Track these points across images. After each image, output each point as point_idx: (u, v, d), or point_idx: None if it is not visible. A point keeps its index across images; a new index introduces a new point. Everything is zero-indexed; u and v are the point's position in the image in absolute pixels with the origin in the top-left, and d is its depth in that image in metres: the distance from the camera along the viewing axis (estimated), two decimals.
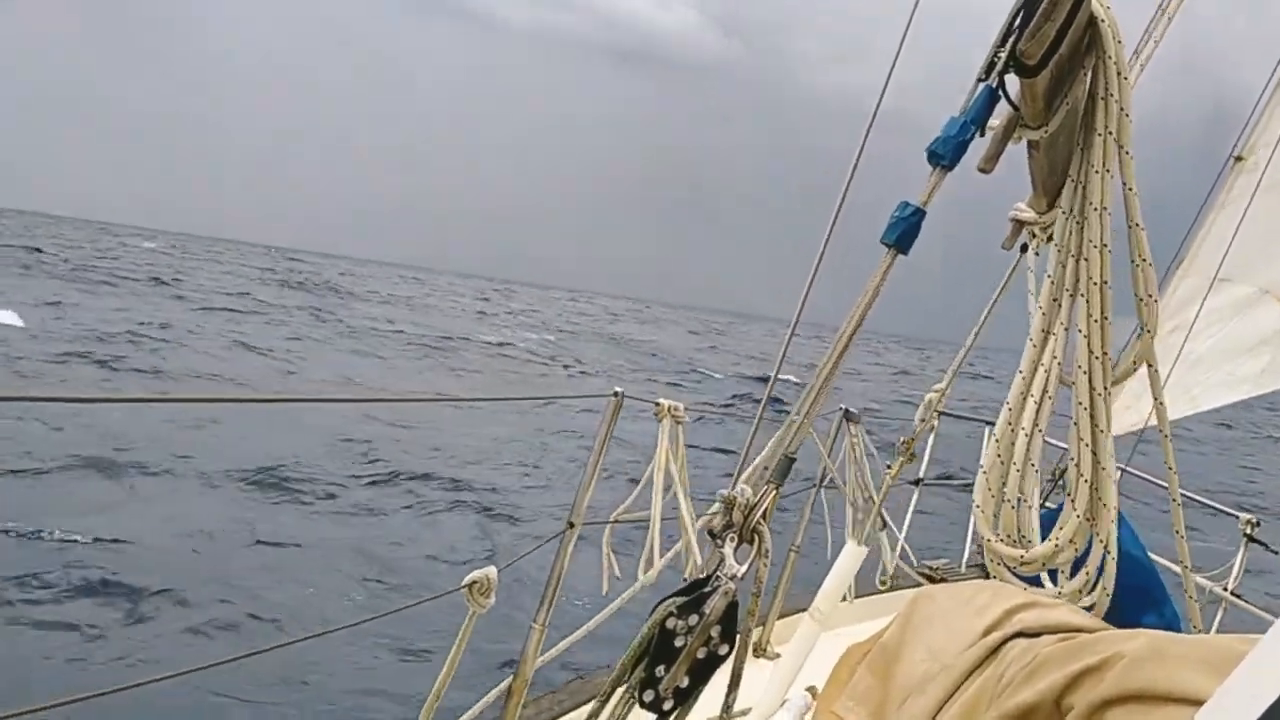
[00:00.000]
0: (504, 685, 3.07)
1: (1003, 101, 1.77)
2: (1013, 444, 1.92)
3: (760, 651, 4.63)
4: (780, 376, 1.75)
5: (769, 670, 4.15)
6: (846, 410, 5.24)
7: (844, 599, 4.15)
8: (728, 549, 1.46)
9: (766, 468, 1.50)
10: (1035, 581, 2.08)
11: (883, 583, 6.51)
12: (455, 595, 2.49)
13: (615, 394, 2.90)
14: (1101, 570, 1.88)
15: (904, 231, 1.60)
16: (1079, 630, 1.30)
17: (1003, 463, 1.91)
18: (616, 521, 3.38)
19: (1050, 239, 2.94)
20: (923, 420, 3.70)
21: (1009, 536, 1.89)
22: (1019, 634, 1.36)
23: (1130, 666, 1.06)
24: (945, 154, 1.64)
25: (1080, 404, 1.83)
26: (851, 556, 3.59)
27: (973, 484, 6.57)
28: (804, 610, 3.64)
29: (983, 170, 2.10)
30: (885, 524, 5.46)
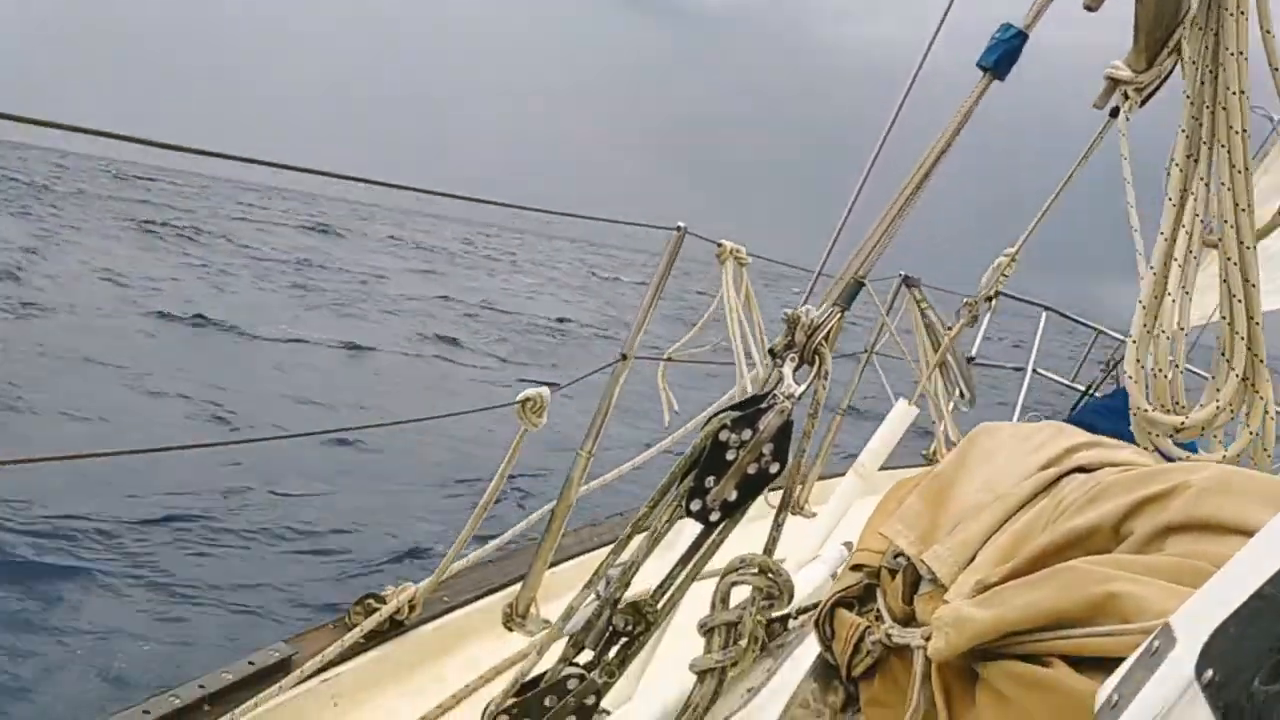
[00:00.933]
0: (548, 508, 3.14)
1: None
2: (1158, 311, 1.83)
3: (798, 509, 4.67)
4: None
5: (806, 526, 4.19)
6: (905, 276, 5.16)
7: (883, 469, 4.16)
8: (787, 368, 1.44)
9: (834, 291, 1.47)
10: (1192, 449, 2.01)
11: (925, 455, 6.52)
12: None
13: (679, 228, 2.86)
14: (1262, 430, 1.80)
15: (1003, 54, 1.51)
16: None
17: (1149, 331, 1.82)
18: (670, 360, 3.38)
19: (1143, 102, 2.80)
20: (988, 284, 3.62)
21: (1164, 405, 1.82)
22: (1078, 469, 1.33)
23: (1198, 495, 1.03)
24: None
25: (1229, 259, 1.74)
26: (901, 414, 3.57)
27: (1022, 368, 6.47)
28: (843, 475, 3.65)
29: (1089, 8, 1.99)
30: (936, 393, 5.41)
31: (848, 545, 3.30)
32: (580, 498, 3.16)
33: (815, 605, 2.68)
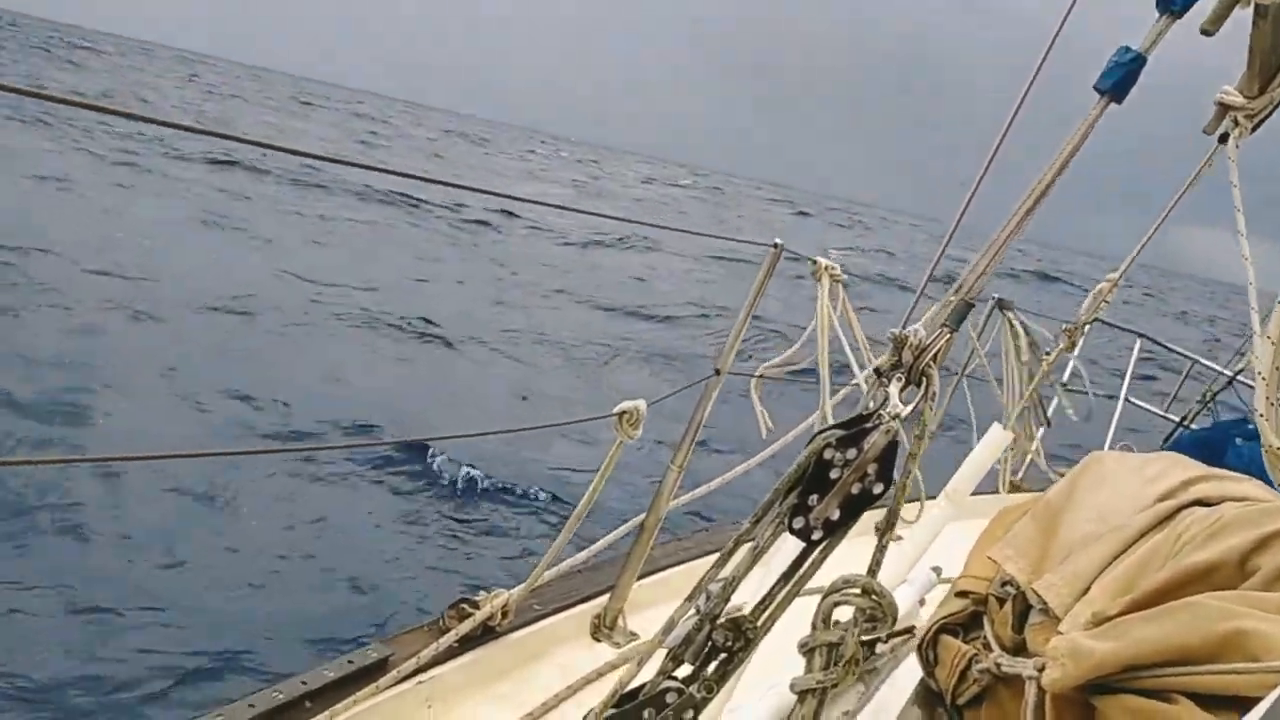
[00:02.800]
0: (637, 520, 3.16)
1: None
2: None
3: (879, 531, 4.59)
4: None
5: (892, 549, 4.14)
6: (999, 299, 5.07)
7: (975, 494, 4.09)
8: (893, 388, 1.44)
9: (943, 311, 1.46)
10: None
11: (1014, 484, 6.38)
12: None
13: (775, 245, 2.86)
14: None
15: (1121, 79, 1.49)
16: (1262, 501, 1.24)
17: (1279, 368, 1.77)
18: (763, 376, 3.38)
19: (1255, 129, 2.72)
20: (1089, 310, 3.55)
21: None
22: (1197, 502, 1.30)
23: None
24: (1177, 0, 1.52)
25: None
26: (996, 438, 3.52)
27: (1115, 396, 6.29)
28: (932, 498, 3.60)
29: (1205, 32, 1.95)
30: (1029, 419, 5.30)
31: (936, 570, 3.25)
32: (669, 512, 3.18)
33: (905, 630, 2.65)
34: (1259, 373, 1.71)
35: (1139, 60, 1.52)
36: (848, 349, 3.00)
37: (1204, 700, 0.91)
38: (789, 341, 3.49)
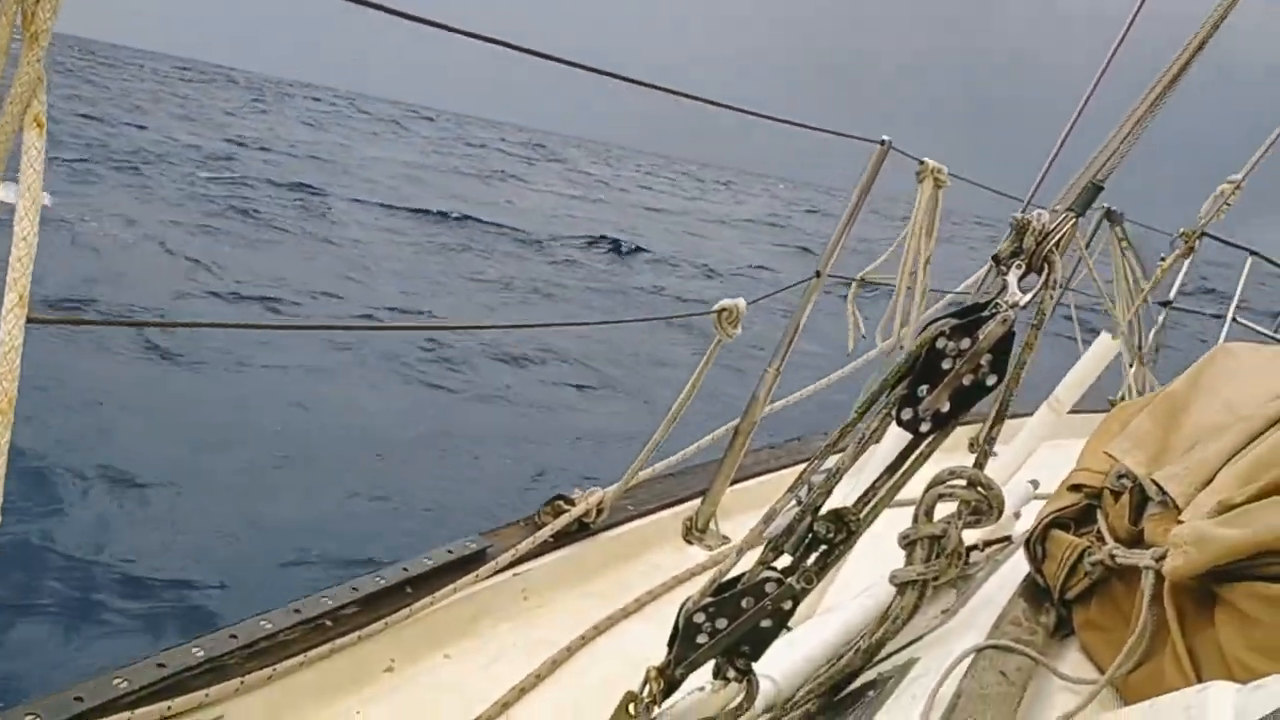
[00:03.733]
0: (732, 425, 3.14)
1: None
2: None
3: (975, 447, 4.50)
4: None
5: (989, 462, 4.05)
6: (1109, 209, 4.88)
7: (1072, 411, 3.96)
8: (1011, 276, 1.38)
9: (1069, 193, 1.39)
10: None
11: (1111, 400, 6.20)
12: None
13: (883, 142, 2.77)
14: None
15: None
16: None
17: None
18: (863, 280, 3.31)
19: None
20: (1209, 213, 3.39)
21: None
22: None
23: None
24: None
25: None
26: (1103, 348, 3.41)
27: (1221, 315, 6.05)
28: (1028, 415, 3.51)
29: None
30: (1137, 335, 5.13)
31: (1034, 483, 3.19)
32: (764, 417, 3.15)
33: (1000, 540, 2.61)
34: None
35: None
36: (917, 250, 2.90)
37: None
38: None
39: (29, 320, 0.94)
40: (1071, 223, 1.33)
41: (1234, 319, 6.72)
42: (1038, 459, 3.32)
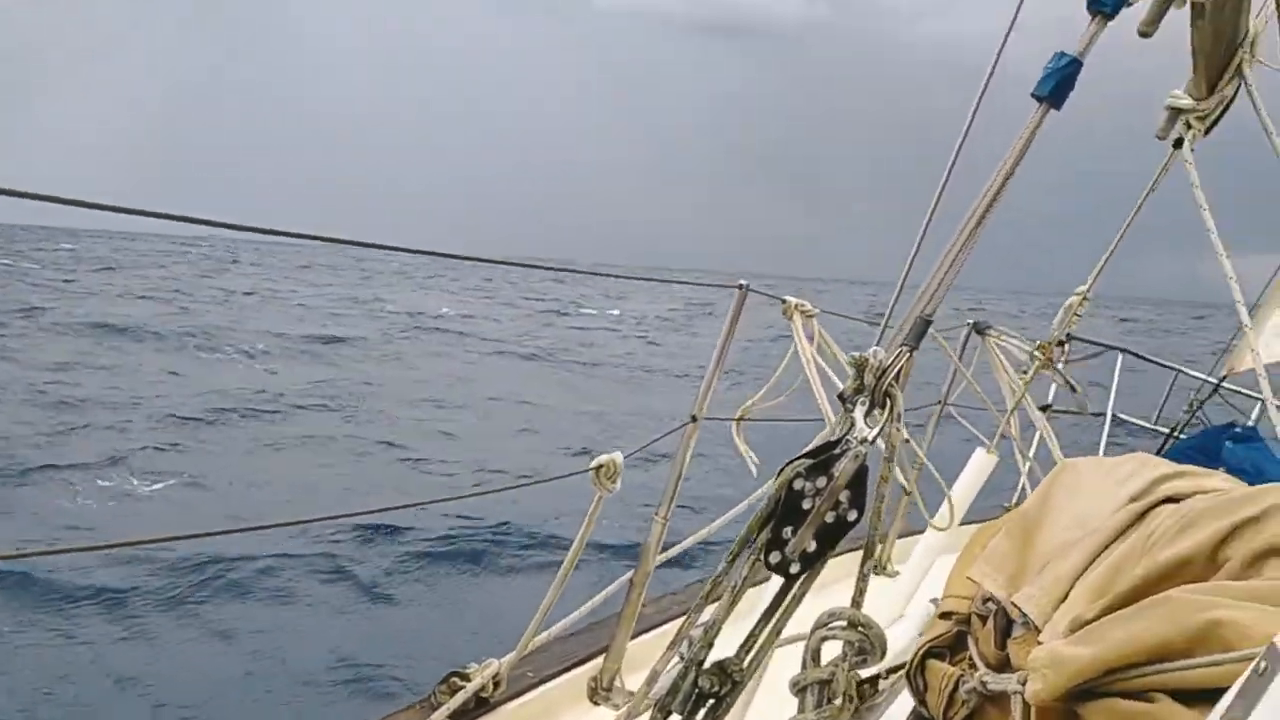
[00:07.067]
0: (626, 578, 3.10)
1: None
2: None
3: (880, 568, 4.54)
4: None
5: (889, 585, 4.08)
6: (975, 323, 5.06)
7: (963, 523, 4.03)
8: (858, 412, 1.42)
9: (900, 331, 1.45)
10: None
11: (1005, 507, 6.32)
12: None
13: (740, 286, 2.84)
14: None
15: (1059, 83, 1.50)
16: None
17: None
18: (741, 419, 3.35)
19: (1208, 130, 2.74)
20: (1061, 326, 3.55)
21: None
22: (1168, 499, 1.28)
23: None
24: (1107, 1, 1.53)
25: None
26: (980, 463, 3.50)
27: (1101, 414, 6.26)
28: (923, 531, 3.57)
29: (1143, 33, 1.96)
30: (1016, 440, 5.26)
31: (934, 602, 3.21)
32: (660, 565, 3.12)
33: (905, 665, 2.60)
34: (1259, 362, 1.71)
35: (1074, 64, 1.52)
36: (818, 385, 2.99)
37: (1185, 696, 0.89)
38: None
39: None
40: (906, 357, 1.38)
41: (1114, 416, 6.98)
42: (939, 572, 3.35)
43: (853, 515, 1.41)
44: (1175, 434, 7.20)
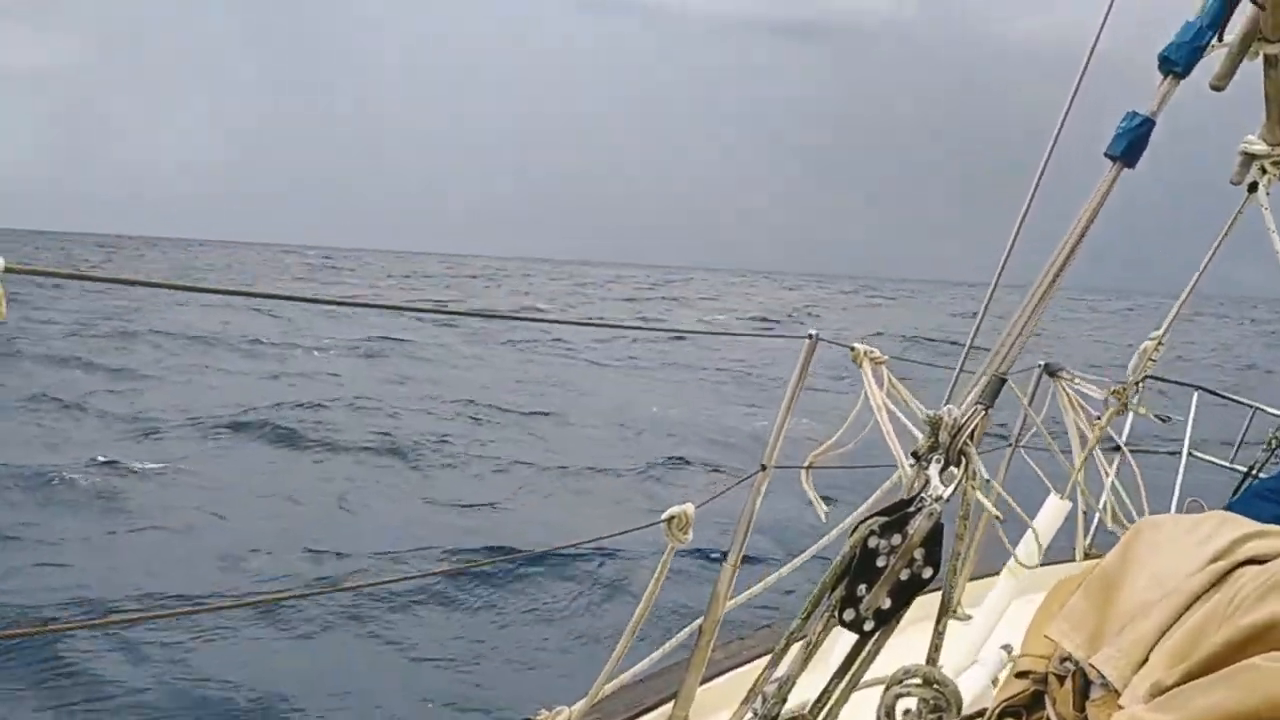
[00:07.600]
0: (695, 625, 3.10)
1: (1242, 5, 1.63)
2: None
3: (951, 612, 4.46)
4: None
5: (961, 630, 4.02)
6: (1046, 364, 4.99)
7: (1039, 565, 3.97)
8: (933, 470, 1.43)
9: (976, 389, 1.46)
10: None
11: (1086, 552, 6.20)
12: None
13: (810, 336, 2.86)
14: None
15: (1131, 143, 1.50)
16: None
17: None
18: (811, 466, 3.34)
19: None
20: (1136, 370, 3.51)
21: None
22: (1250, 560, 1.27)
23: None
24: (1179, 60, 1.53)
25: None
26: (1054, 510, 3.45)
27: (1177, 453, 6.13)
28: (997, 574, 3.52)
29: (1215, 88, 1.96)
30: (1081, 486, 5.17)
31: (1006, 648, 3.17)
32: (729, 612, 3.12)
33: (977, 714, 2.57)
34: None
35: (1147, 124, 1.53)
36: (890, 434, 2.98)
37: None
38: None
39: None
40: (981, 416, 1.39)
41: (1190, 453, 6.82)
42: (1013, 617, 3.30)
43: (927, 573, 1.42)
44: (1254, 473, 7.01)
